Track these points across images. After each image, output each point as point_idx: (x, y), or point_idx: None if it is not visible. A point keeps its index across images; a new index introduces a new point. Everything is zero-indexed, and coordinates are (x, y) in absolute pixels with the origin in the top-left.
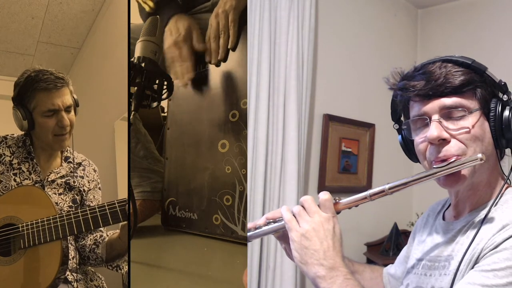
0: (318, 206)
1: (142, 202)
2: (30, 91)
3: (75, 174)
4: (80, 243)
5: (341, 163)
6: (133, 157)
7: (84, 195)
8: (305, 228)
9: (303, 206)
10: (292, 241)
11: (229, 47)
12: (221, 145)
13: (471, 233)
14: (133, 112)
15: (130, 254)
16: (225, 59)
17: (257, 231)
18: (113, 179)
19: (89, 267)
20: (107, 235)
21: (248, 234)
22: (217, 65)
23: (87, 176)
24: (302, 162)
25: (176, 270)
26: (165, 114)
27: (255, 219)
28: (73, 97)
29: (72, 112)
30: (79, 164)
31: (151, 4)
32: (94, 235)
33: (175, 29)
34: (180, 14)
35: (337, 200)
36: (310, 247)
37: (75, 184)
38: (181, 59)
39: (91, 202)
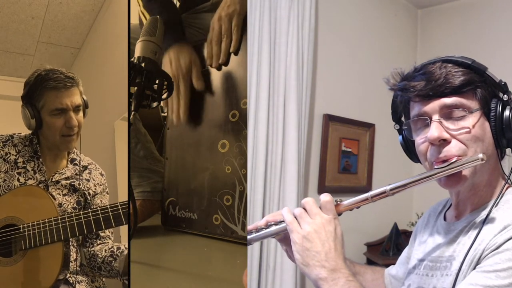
0: (320, 208)
1: (142, 202)
2: (39, 90)
3: (81, 177)
4: (89, 249)
5: (341, 163)
6: (133, 157)
7: (89, 198)
8: (307, 230)
9: (304, 208)
10: (293, 243)
11: (231, 51)
12: (221, 145)
13: (472, 233)
14: (133, 112)
15: (130, 254)
16: (226, 63)
17: (258, 233)
18: (113, 179)
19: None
20: (126, 248)
21: (249, 236)
22: (218, 68)
23: (94, 180)
24: (302, 162)
25: (176, 270)
26: (165, 114)
27: (255, 219)
28: (83, 97)
29: (81, 113)
30: (85, 167)
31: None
32: (110, 246)
33: (175, 62)
34: (181, 44)
35: (338, 202)
36: (312, 249)
37: (80, 186)
38: (178, 95)
39: (98, 206)
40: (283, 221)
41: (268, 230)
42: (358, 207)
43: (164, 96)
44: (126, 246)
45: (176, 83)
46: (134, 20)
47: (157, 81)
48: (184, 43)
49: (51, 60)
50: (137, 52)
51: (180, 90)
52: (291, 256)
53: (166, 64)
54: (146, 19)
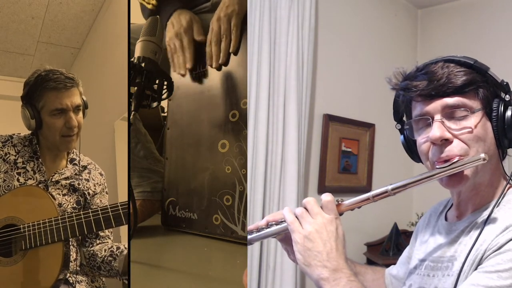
0: (321, 207)
1: (142, 202)
2: (39, 90)
3: (80, 177)
4: (89, 249)
5: (341, 163)
6: (133, 157)
7: (89, 198)
8: (308, 230)
9: (305, 208)
10: (295, 243)
11: (230, 51)
12: (221, 145)
13: (474, 233)
14: (133, 112)
15: (130, 254)
16: (226, 63)
17: (259, 233)
18: (113, 179)
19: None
20: (125, 248)
21: (250, 236)
22: (218, 69)
23: (93, 180)
24: (302, 162)
25: (176, 270)
26: (165, 114)
27: (255, 219)
28: (83, 98)
29: (81, 114)
30: (85, 167)
31: (153, 1)
32: (110, 246)
33: (177, 21)
34: (182, 9)
35: (340, 202)
36: (313, 249)
37: (79, 186)
38: (182, 50)
39: (98, 206)
40: (284, 220)
41: (269, 229)
42: (359, 207)
43: (164, 96)
44: (126, 246)
45: (179, 39)
46: (134, 20)
47: (157, 81)
48: (183, 9)
49: (51, 60)
50: (137, 52)
51: (183, 44)
52: (291, 256)
53: (169, 29)
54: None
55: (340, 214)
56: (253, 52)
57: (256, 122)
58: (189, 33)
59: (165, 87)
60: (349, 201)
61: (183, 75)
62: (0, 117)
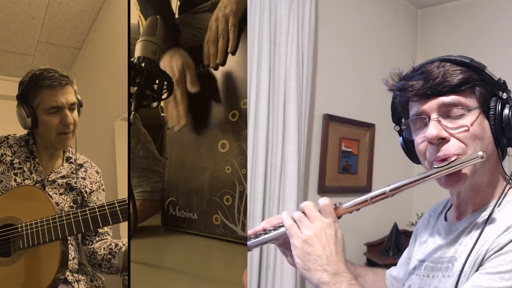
0: (319, 211)
1: (142, 202)
2: (34, 89)
3: (77, 175)
4: (89, 247)
5: (341, 163)
6: (133, 157)
7: (86, 196)
8: (307, 234)
9: (303, 212)
10: (294, 247)
11: (229, 51)
12: (221, 145)
13: (474, 234)
14: (133, 112)
15: (130, 254)
16: (223, 62)
17: (258, 239)
18: (113, 179)
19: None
20: (124, 244)
21: (249, 243)
22: (215, 68)
23: (89, 178)
24: (302, 162)
25: (176, 270)
26: (165, 114)
27: (255, 219)
28: (77, 97)
29: (76, 112)
30: (81, 165)
31: None
32: (109, 244)
33: (169, 68)
34: (175, 49)
35: (337, 205)
36: (313, 253)
37: (76, 185)
38: (175, 103)
39: (95, 204)
40: (282, 225)
41: (267, 235)
42: (357, 209)
43: (164, 96)
44: (124, 242)
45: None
46: (134, 20)
47: (157, 81)
48: (176, 48)
49: (51, 60)
50: (137, 52)
51: (176, 97)
52: (290, 261)
53: None
54: (142, 23)
55: (339, 217)
56: (253, 52)
57: (256, 122)
58: (182, 83)
59: (165, 87)
60: (347, 204)
61: (178, 128)
62: (0, 117)
